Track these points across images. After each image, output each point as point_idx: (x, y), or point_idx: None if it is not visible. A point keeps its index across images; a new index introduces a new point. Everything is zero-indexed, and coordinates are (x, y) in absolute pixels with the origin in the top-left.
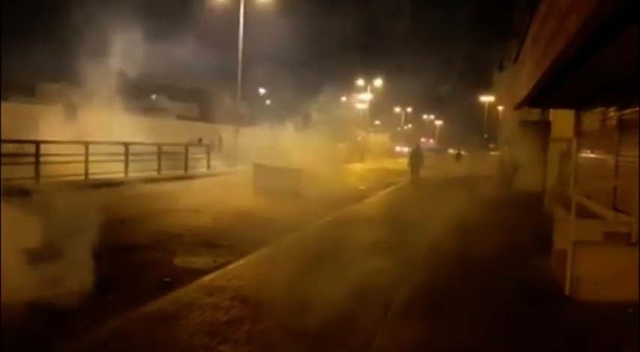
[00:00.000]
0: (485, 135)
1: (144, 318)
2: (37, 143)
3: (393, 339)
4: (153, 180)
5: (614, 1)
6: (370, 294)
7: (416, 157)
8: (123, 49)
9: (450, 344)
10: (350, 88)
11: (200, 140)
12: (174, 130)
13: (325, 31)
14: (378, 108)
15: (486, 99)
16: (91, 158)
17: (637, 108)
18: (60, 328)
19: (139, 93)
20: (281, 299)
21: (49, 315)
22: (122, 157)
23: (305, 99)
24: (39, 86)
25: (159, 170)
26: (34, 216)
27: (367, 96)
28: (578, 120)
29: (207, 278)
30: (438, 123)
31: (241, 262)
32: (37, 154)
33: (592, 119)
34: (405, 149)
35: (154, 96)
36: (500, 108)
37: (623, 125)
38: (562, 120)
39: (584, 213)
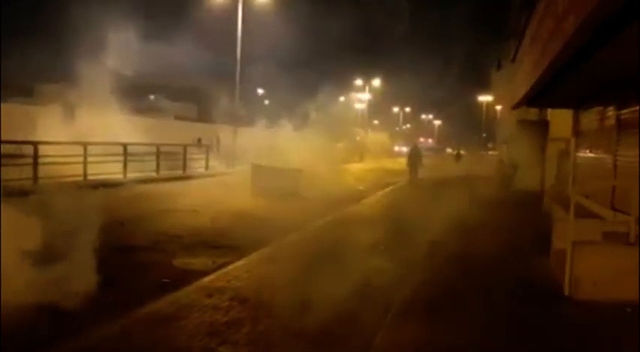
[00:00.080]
0: (484, 135)
1: (143, 319)
2: (36, 144)
3: (394, 339)
4: (151, 181)
5: (611, 2)
6: (370, 294)
7: (414, 157)
8: (121, 50)
9: (450, 344)
10: (348, 88)
11: (199, 140)
12: (172, 131)
13: (324, 31)
14: (377, 108)
15: (484, 98)
16: (89, 159)
17: (635, 108)
18: (59, 329)
19: (137, 94)
20: (281, 300)
21: (48, 316)
22: (121, 158)
23: (303, 100)
24: (37, 87)
25: (157, 170)
26: (33, 217)
27: (366, 96)
28: (576, 120)
29: (206, 279)
30: (437, 122)
31: (240, 263)
32: (36, 155)
33: (590, 118)
34: (404, 149)
35: (152, 97)
36: (498, 107)
37: (621, 124)
38: (560, 119)
39: (582, 213)
